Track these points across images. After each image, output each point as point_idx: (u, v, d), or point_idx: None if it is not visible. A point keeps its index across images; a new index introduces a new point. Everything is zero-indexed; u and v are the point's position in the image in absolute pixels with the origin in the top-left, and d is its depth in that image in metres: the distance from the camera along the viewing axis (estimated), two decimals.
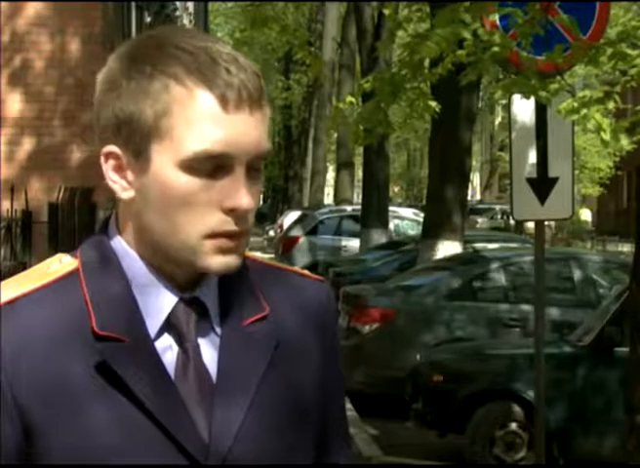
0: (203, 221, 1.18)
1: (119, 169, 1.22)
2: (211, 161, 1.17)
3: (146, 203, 1.20)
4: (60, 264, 1.25)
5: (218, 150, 1.17)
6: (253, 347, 1.25)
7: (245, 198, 1.18)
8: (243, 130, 1.18)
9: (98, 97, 1.23)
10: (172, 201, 1.18)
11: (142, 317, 1.22)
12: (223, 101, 1.17)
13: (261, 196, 52.47)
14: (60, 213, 7.82)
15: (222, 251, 1.19)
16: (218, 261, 1.19)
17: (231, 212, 1.18)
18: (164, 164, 1.18)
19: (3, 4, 10.74)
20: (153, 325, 1.22)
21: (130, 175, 1.21)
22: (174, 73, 1.18)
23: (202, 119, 1.17)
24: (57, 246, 7.46)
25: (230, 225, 1.19)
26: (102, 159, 1.23)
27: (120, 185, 1.22)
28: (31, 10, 10.88)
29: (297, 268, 1.40)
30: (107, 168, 1.22)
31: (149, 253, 1.23)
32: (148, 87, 1.18)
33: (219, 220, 1.18)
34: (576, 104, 5.46)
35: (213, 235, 1.19)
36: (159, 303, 1.23)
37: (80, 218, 8.35)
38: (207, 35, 1.24)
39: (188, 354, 1.22)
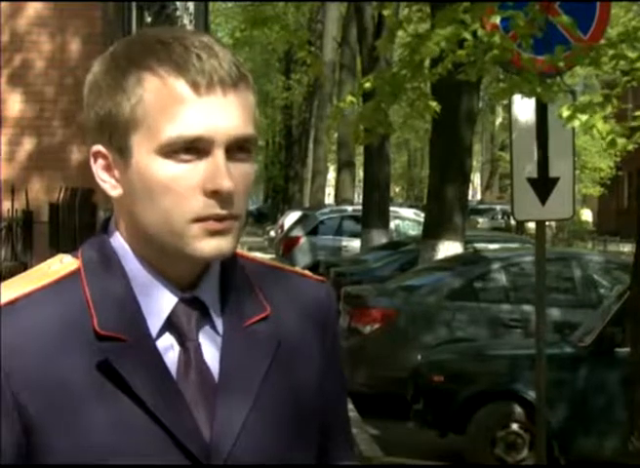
0: (187, 206, 1.18)
1: (107, 168, 1.23)
2: (187, 145, 1.18)
3: (134, 196, 1.21)
4: (61, 264, 1.25)
5: (192, 133, 1.17)
6: (254, 347, 1.25)
7: (225, 180, 1.18)
8: (216, 112, 1.18)
9: (84, 100, 1.25)
10: (155, 188, 1.19)
11: (144, 316, 1.21)
12: (194, 86, 1.18)
13: (262, 195, 52.46)
14: (61, 213, 7.81)
15: (211, 233, 1.19)
16: (207, 245, 1.19)
17: (214, 194, 1.18)
18: (144, 153, 1.19)
19: (3, 4, 10.74)
20: (154, 324, 1.22)
21: (117, 173, 1.22)
22: (147, 65, 1.19)
23: (174, 104, 1.18)
24: (57, 246, 7.46)
25: (215, 208, 1.19)
26: (91, 159, 1.24)
27: (110, 184, 1.23)
28: (31, 10, 10.88)
29: (297, 269, 1.40)
30: (97, 168, 1.24)
31: (145, 250, 1.23)
32: (124, 82, 1.20)
33: (202, 204, 1.18)
34: (574, 110, 5.46)
35: (199, 219, 1.19)
36: (160, 303, 1.23)
37: (81, 218, 8.34)
38: (187, 29, 1.25)
39: (190, 353, 1.22)
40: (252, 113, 1.22)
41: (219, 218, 1.19)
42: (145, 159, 1.19)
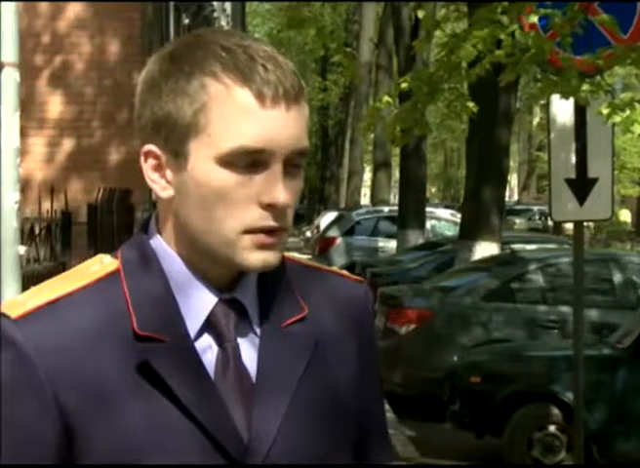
0: (240, 217, 1.18)
1: (158, 168, 1.22)
2: (247, 156, 1.17)
3: (185, 200, 1.21)
4: (101, 265, 1.26)
5: (254, 145, 1.17)
6: (292, 348, 1.25)
7: (282, 194, 1.18)
8: (279, 125, 1.18)
9: (138, 97, 1.24)
10: (209, 196, 1.18)
11: (182, 317, 1.22)
12: (260, 97, 1.17)
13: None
14: (99, 213, 7.87)
15: (261, 246, 1.19)
16: (256, 257, 1.19)
17: (269, 207, 1.18)
18: (201, 160, 1.19)
19: (43, 5, 10.86)
20: (193, 325, 1.22)
21: (169, 174, 1.22)
22: (211, 71, 1.18)
23: (238, 115, 1.17)
24: (96, 246, 7.51)
25: (268, 221, 1.19)
26: (142, 158, 1.23)
27: (159, 185, 1.23)
28: (71, 12, 10.98)
29: (335, 269, 1.40)
30: (147, 167, 1.23)
31: (189, 253, 1.23)
32: (186, 85, 1.19)
33: (256, 216, 1.19)
34: (614, 107, 5.43)
35: (250, 230, 1.19)
36: (199, 303, 1.23)
37: (118, 219, 8.40)
38: (247, 35, 1.25)
39: (228, 354, 1.23)
40: (307, 125, 1.23)
41: (270, 231, 1.19)
42: (203, 166, 1.19)
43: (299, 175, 1.22)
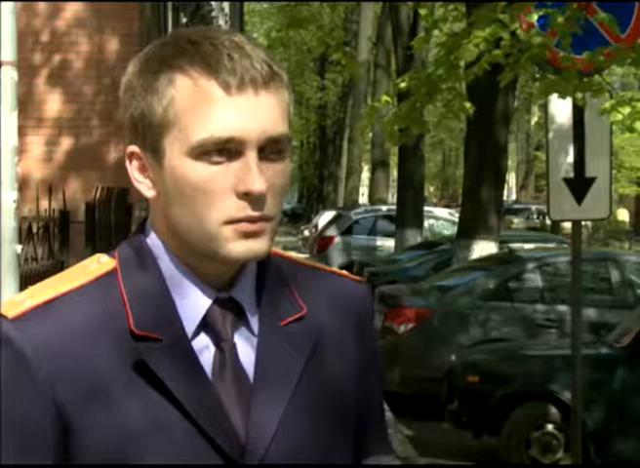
0: (220, 208, 1.18)
1: (142, 169, 1.23)
2: (218, 146, 1.17)
3: (167, 197, 1.21)
4: (99, 264, 1.26)
5: (223, 135, 1.17)
6: (290, 347, 1.24)
7: (257, 182, 1.17)
8: (247, 113, 1.17)
9: (121, 101, 1.25)
10: (187, 190, 1.18)
11: (179, 316, 1.22)
12: (225, 86, 1.17)
13: (296, 195, 52.46)
14: (97, 212, 7.86)
15: (244, 235, 1.18)
16: (240, 248, 1.19)
17: (245, 196, 1.18)
18: (176, 155, 1.19)
19: (42, 4, 10.85)
20: (190, 324, 1.22)
21: (151, 174, 1.22)
22: (178, 65, 1.19)
23: (205, 106, 1.17)
24: (93, 245, 7.51)
25: (247, 210, 1.18)
26: (127, 160, 1.25)
27: (145, 185, 1.23)
28: (70, 11, 10.97)
29: (335, 269, 1.40)
30: (132, 168, 1.24)
31: (181, 250, 1.23)
32: (155, 82, 1.20)
33: (235, 206, 1.18)
34: (616, 104, 5.43)
35: (232, 221, 1.18)
36: (195, 303, 1.23)
37: (116, 218, 8.40)
38: (219, 27, 1.25)
39: (225, 354, 1.22)
40: (285, 112, 1.22)
41: (251, 220, 1.19)
42: (177, 160, 1.19)
43: (280, 159, 1.21)
